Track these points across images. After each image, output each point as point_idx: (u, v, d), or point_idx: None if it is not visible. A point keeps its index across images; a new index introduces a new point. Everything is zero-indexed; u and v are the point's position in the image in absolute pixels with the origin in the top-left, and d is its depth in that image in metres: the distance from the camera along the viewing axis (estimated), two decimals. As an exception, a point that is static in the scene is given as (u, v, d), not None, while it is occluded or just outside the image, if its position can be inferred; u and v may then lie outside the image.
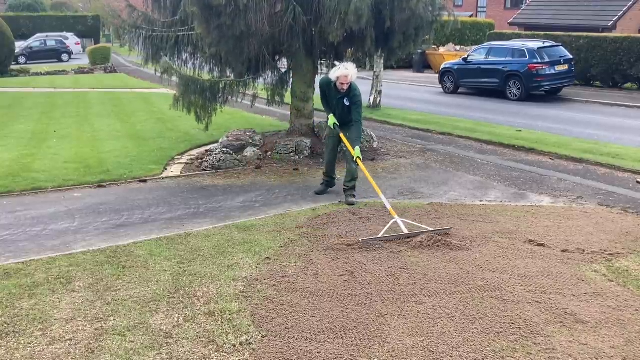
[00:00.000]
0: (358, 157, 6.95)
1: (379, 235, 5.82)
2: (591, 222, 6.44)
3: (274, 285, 4.80)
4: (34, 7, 50.70)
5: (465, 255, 5.43)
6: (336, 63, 7.85)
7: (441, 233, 5.90)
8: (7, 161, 9.36)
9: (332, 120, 7.31)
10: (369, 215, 6.65)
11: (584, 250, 5.53)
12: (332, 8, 8.38)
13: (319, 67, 10.56)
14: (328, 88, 7.28)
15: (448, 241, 5.67)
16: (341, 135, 7.28)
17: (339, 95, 7.19)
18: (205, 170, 8.99)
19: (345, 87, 7.08)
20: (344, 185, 7.37)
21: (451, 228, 6.10)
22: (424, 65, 26.40)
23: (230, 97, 10.31)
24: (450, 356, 3.74)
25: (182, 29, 10.07)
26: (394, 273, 5.01)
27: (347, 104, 7.19)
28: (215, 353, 3.80)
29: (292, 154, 9.60)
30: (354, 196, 7.28)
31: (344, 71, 7.01)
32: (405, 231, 5.92)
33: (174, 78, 9.71)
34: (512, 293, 4.63)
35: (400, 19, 8.81)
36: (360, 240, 5.70)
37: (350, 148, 7.11)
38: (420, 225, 6.12)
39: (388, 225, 6.03)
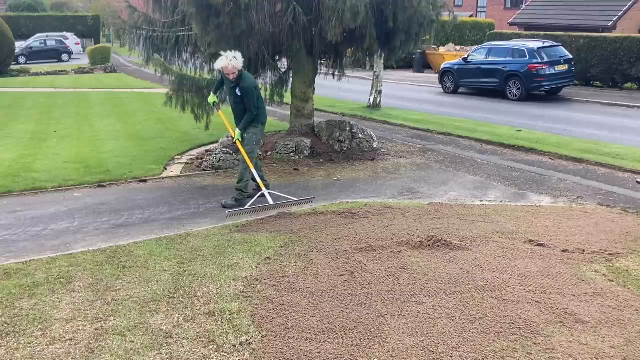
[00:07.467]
0: (237, 139, 6.96)
1: (245, 207, 6.18)
2: (591, 222, 6.44)
3: (274, 285, 4.80)
4: (34, 7, 50.71)
5: (465, 255, 5.43)
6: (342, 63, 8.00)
7: (303, 203, 6.60)
8: (7, 161, 9.36)
9: (212, 98, 7.39)
10: (368, 214, 6.65)
11: (584, 250, 5.53)
12: (330, 6, 8.38)
13: (319, 67, 10.56)
14: (225, 75, 7.11)
15: (448, 241, 5.67)
16: (225, 122, 7.31)
17: (231, 84, 7.01)
18: (205, 170, 8.99)
19: (232, 77, 6.90)
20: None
21: (313, 197, 6.73)
22: (424, 65, 26.39)
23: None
24: (450, 356, 3.74)
25: (182, 29, 10.06)
26: (394, 273, 5.01)
27: (239, 94, 7.01)
28: (215, 353, 3.80)
29: (292, 154, 9.60)
30: (234, 199, 7.09)
31: (226, 62, 6.80)
32: (271, 202, 6.39)
33: (171, 75, 9.71)
34: (512, 293, 4.63)
35: (403, 17, 8.80)
36: (227, 213, 6.05)
37: (231, 131, 7.15)
38: (285, 196, 6.73)
39: (255, 197, 6.43)
